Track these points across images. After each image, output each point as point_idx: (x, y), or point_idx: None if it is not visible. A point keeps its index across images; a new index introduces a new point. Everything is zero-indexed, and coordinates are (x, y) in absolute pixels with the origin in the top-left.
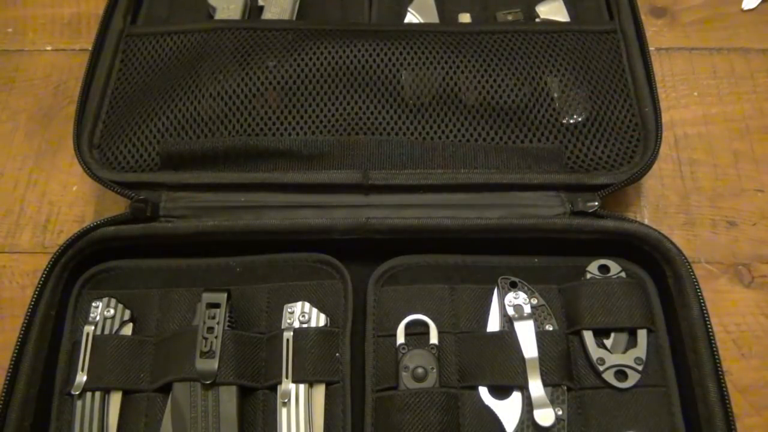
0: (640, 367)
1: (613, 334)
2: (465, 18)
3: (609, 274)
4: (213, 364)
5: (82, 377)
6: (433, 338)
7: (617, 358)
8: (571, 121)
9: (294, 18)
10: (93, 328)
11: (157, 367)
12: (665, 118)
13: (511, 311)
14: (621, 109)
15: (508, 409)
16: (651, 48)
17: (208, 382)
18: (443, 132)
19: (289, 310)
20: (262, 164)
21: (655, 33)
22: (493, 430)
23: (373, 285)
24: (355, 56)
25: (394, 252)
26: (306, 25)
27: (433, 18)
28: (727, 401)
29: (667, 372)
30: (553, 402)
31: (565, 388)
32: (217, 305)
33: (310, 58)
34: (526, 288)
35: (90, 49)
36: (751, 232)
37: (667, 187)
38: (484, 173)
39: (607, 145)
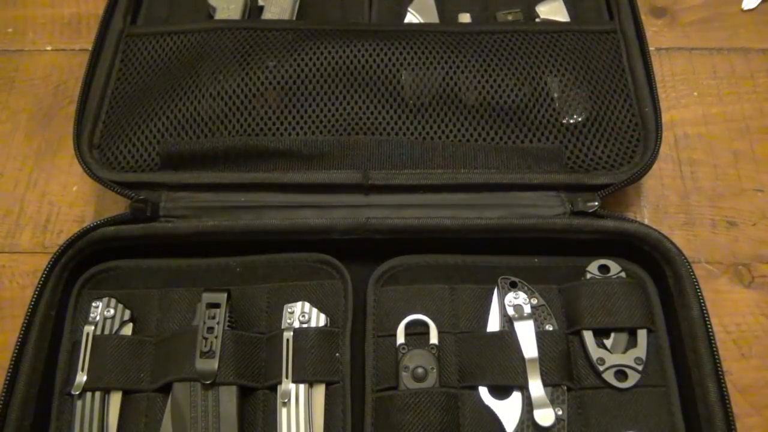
0: (640, 367)
1: (613, 334)
2: (465, 18)
3: (609, 274)
4: (213, 364)
5: (82, 377)
6: (433, 338)
7: (617, 358)
8: (571, 121)
9: (294, 18)
10: (93, 328)
11: (157, 367)
12: (665, 118)
13: (511, 311)
14: (621, 109)
15: (508, 409)
16: (651, 48)
17: (208, 382)
18: (443, 132)
19: (289, 310)
20: (262, 164)
21: (655, 33)
22: (493, 430)
23: (373, 285)
24: (355, 56)
25: (394, 252)
26: (306, 25)
27: (433, 18)
28: (727, 401)
29: (667, 372)
30: (553, 402)
31: (565, 388)
32: (217, 305)
33: (310, 58)
34: (526, 288)
35: (90, 49)
36: (751, 232)
37: (667, 187)
38: (484, 173)
39: (607, 145)
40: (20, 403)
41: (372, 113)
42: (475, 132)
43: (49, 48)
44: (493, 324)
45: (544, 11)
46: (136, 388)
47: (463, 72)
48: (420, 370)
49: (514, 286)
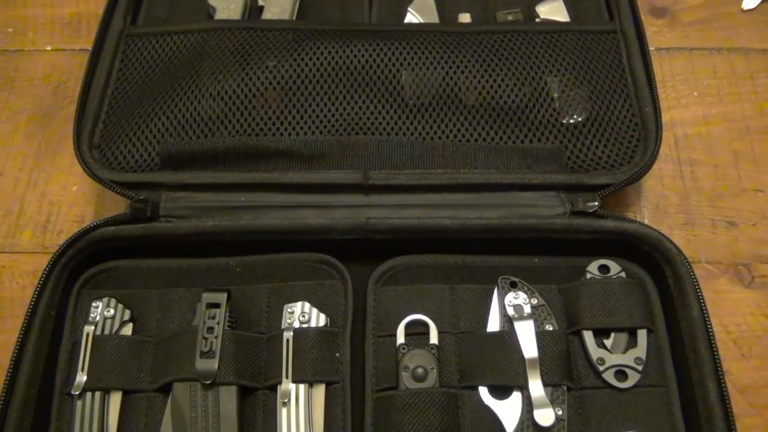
0: (640, 367)
1: (613, 334)
2: (465, 18)
3: (609, 274)
4: (213, 364)
5: (82, 377)
6: (433, 338)
7: (617, 358)
8: (571, 121)
9: (294, 18)
10: (93, 328)
11: (157, 367)
12: (665, 118)
13: (511, 311)
14: (621, 109)
15: (508, 409)
16: (651, 48)
17: (208, 382)
18: (443, 132)
19: (289, 310)
20: (262, 164)
21: (655, 33)
22: (493, 430)
23: (373, 285)
24: (355, 56)
25: (394, 252)
26: (306, 25)
27: (433, 18)
28: (727, 401)
29: (667, 372)
30: (553, 402)
31: (565, 388)
32: (217, 305)
33: (310, 58)
34: (526, 288)
35: (90, 49)
36: (751, 232)
37: (667, 187)
38: (484, 173)
39: (607, 145)
40: (20, 403)
41: (372, 113)
42: (475, 132)
43: (49, 48)
44: (493, 324)
45: (544, 11)
46: (136, 388)
47: (463, 72)
48: (420, 370)
49: (514, 286)
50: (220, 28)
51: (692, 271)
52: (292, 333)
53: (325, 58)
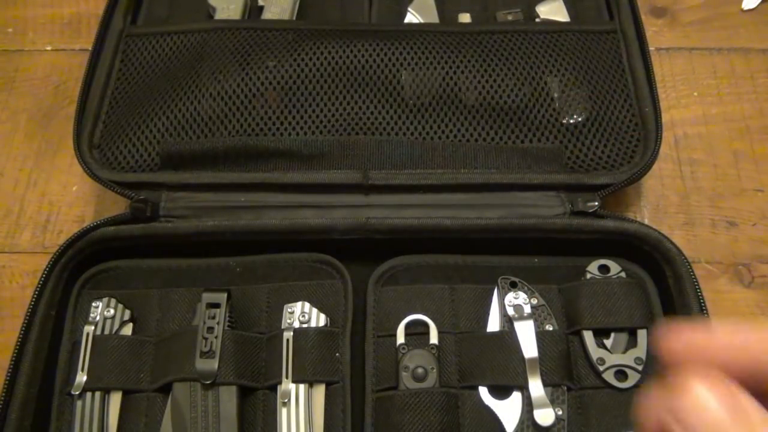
0: (640, 367)
1: (613, 334)
2: (465, 18)
3: (609, 274)
4: (213, 364)
5: (82, 377)
6: (433, 338)
7: (617, 358)
8: (571, 121)
9: (294, 18)
10: (93, 328)
11: (157, 367)
12: (665, 118)
13: (511, 311)
14: (621, 109)
15: (508, 409)
16: (651, 48)
17: (208, 382)
18: (443, 132)
19: (289, 310)
20: (262, 164)
21: (655, 33)
22: (493, 430)
23: (373, 285)
24: (355, 56)
25: (394, 252)
26: (306, 25)
27: (433, 18)
28: None
29: None
30: (553, 402)
31: (565, 388)
32: (217, 305)
33: (310, 58)
34: (526, 288)
35: (90, 49)
36: (751, 232)
37: (667, 187)
38: (484, 173)
39: (607, 145)
40: (20, 403)
41: (372, 113)
42: (475, 132)
43: (49, 48)
44: (493, 324)
45: (544, 11)
46: (136, 388)
47: (463, 72)
48: (420, 370)
49: (514, 286)
50: (220, 28)
51: (692, 271)
52: (292, 333)
53: (325, 58)
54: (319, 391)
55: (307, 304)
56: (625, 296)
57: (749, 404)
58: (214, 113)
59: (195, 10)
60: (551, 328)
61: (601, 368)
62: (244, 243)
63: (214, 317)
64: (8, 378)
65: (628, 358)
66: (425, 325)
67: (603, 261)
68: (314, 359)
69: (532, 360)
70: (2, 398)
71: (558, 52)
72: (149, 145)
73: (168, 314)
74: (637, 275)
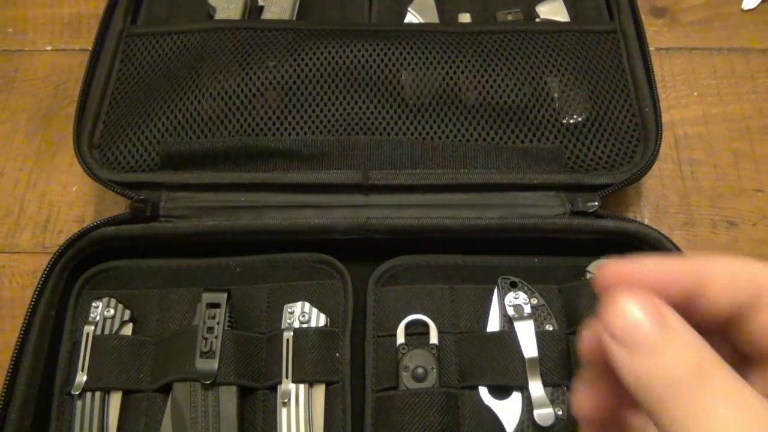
0: None
1: None
2: (465, 18)
3: None
4: (213, 364)
5: (82, 377)
6: (433, 338)
7: None
8: (571, 121)
9: (294, 18)
10: (93, 328)
11: (157, 367)
12: (665, 118)
13: (511, 311)
14: (621, 109)
15: (508, 409)
16: (651, 48)
17: (208, 382)
18: (443, 132)
19: (289, 310)
20: (262, 164)
21: (655, 33)
22: (493, 430)
23: (373, 285)
24: (355, 56)
25: (394, 252)
26: (306, 25)
27: (433, 18)
28: None
29: None
30: (554, 402)
31: (566, 388)
32: (217, 305)
33: (310, 58)
34: (526, 288)
35: (90, 49)
36: (751, 232)
37: (667, 187)
38: (484, 173)
39: (607, 145)
40: (20, 403)
41: (372, 113)
42: (475, 132)
43: (49, 48)
44: (493, 324)
45: (544, 11)
46: (136, 388)
47: (463, 72)
48: (420, 370)
49: (514, 286)
50: (220, 28)
51: None
52: (292, 333)
53: (325, 58)
54: (319, 391)
55: (307, 304)
56: None
57: (674, 317)
58: (214, 113)
59: (195, 10)
60: (551, 328)
61: None
62: (244, 243)
63: (214, 317)
64: (8, 378)
65: None
66: (425, 325)
67: (603, 261)
68: (314, 359)
69: (532, 360)
70: (2, 398)
71: (558, 52)
72: (149, 145)
73: (168, 314)
74: None
